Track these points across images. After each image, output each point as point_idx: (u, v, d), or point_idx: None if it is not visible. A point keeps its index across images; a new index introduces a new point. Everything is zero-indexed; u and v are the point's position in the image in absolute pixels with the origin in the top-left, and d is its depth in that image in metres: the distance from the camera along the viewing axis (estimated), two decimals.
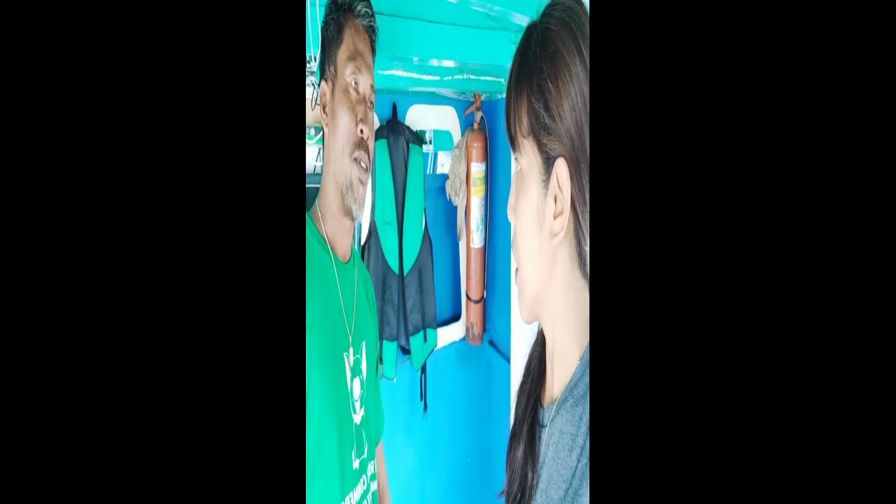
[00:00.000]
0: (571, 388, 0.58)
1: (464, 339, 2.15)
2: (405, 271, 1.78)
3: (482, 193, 2.01)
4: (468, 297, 2.09)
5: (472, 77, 1.79)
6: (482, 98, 1.97)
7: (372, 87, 0.98)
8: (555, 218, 0.55)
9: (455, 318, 2.16)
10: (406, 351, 1.85)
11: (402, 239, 1.76)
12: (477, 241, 2.04)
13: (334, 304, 0.98)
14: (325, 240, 0.98)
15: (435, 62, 1.55)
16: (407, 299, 1.76)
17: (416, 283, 1.78)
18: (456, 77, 1.74)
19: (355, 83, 0.95)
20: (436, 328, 1.88)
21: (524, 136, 0.58)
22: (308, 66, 1.05)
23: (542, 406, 0.64)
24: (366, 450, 1.05)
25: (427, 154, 1.85)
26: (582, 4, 0.56)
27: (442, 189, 2.02)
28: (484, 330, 2.13)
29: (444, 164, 1.95)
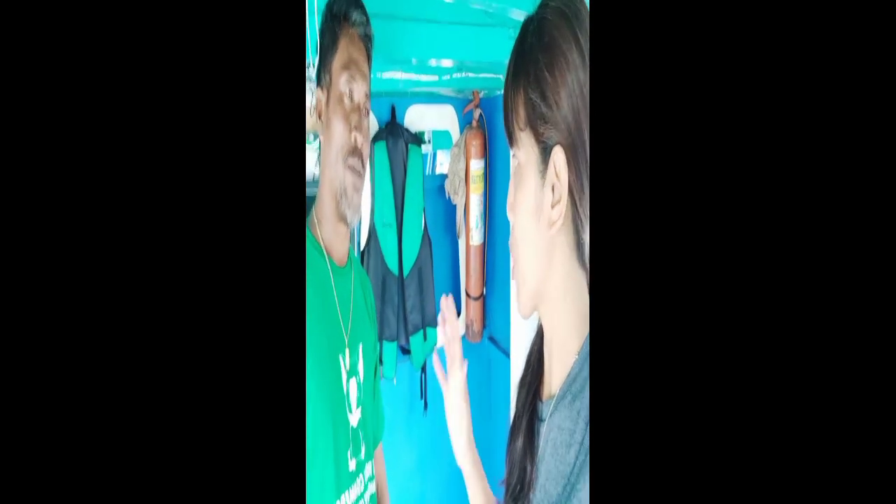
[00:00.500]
0: (570, 382, 0.58)
1: (463, 336, 2.16)
2: (405, 272, 1.78)
3: (481, 191, 2.01)
4: (468, 294, 2.10)
5: (470, 75, 1.78)
6: (481, 95, 1.97)
7: (367, 94, 0.99)
8: (552, 207, 0.55)
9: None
10: (406, 351, 1.86)
11: (402, 240, 1.77)
12: (476, 238, 2.04)
13: (330, 308, 0.99)
14: (321, 245, 0.99)
15: (433, 62, 1.55)
16: (407, 299, 1.77)
17: (415, 283, 1.79)
18: (454, 76, 1.73)
19: (350, 91, 0.95)
20: (436, 327, 1.89)
21: (521, 129, 0.58)
22: (307, 72, 1.06)
23: (541, 400, 0.64)
24: (363, 451, 1.05)
25: (426, 154, 1.85)
26: None
27: (441, 188, 2.02)
28: (483, 326, 2.13)
29: (443, 163, 1.95)
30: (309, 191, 1.21)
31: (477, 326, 2.10)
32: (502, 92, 0.61)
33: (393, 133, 1.72)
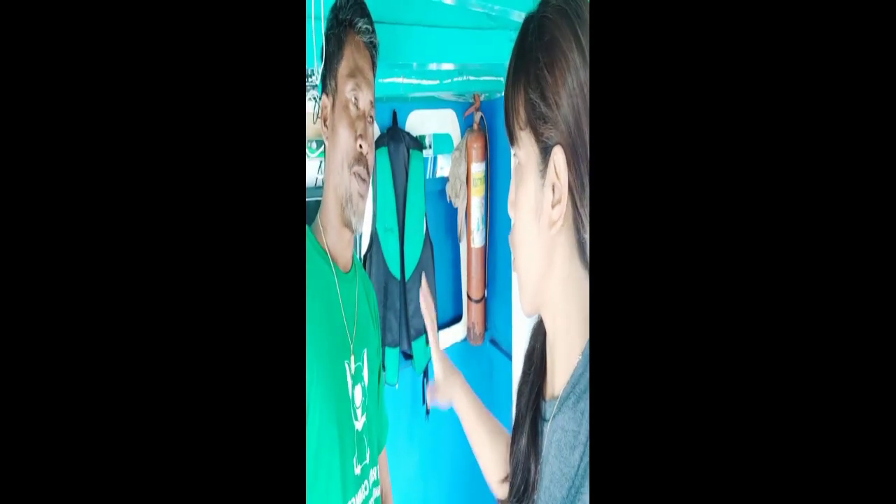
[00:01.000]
0: (574, 383, 0.58)
1: (465, 339, 2.15)
2: (407, 276, 1.78)
3: (482, 193, 2.02)
4: (469, 297, 2.10)
5: (471, 78, 1.78)
6: (481, 98, 1.97)
7: (372, 102, 0.99)
8: (553, 207, 0.55)
9: (456, 319, 2.16)
10: (408, 356, 1.86)
11: (404, 245, 1.77)
12: (477, 240, 2.04)
13: (335, 314, 1.00)
14: (325, 252, 0.99)
15: (434, 66, 1.55)
16: (409, 304, 1.77)
17: (417, 287, 1.79)
18: (455, 79, 1.74)
19: (355, 99, 0.96)
20: (437, 331, 1.89)
21: (521, 129, 0.58)
22: (309, 80, 1.06)
23: (544, 399, 0.63)
24: (368, 456, 1.06)
25: (427, 158, 1.85)
26: None
27: (442, 192, 2.02)
28: (485, 329, 2.13)
29: (444, 167, 1.96)
30: (312, 197, 1.21)
31: (479, 329, 2.10)
32: (503, 93, 0.62)
33: (394, 138, 1.72)
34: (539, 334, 0.68)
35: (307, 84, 1.07)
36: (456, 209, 2.04)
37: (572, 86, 0.53)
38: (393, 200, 1.74)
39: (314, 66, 1.01)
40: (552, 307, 0.61)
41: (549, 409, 0.61)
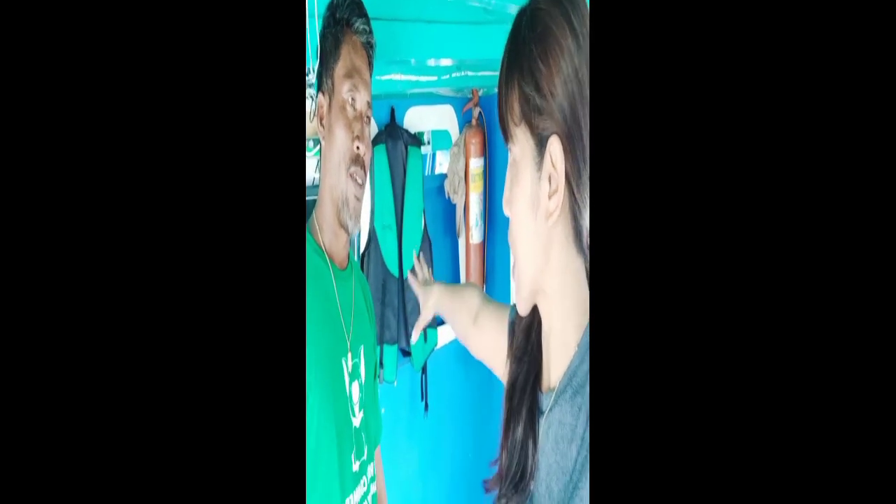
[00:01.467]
0: (570, 376, 0.57)
1: None
2: (405, 274, 1.78)
3: (481, 189, 2.02)
4: None
5: (469, 73, 1.78)
6: (480, 93, 1.97)
7: (369, 103, 0.99)
8: (549, 197, 0.55)
9: None
10: (406, 353, 1.86)
11: (402, 242, 1.77)
12: (476, 236, 2.04)
13: (332, 311, 1.00)
14: (322, 249, 0.99)
15: (432, 62, 1.54)
16: (407, 301, 1.77)
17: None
18: (454, 75, 1.74)
19: (352, 100, 0.95)
20: (436, 327, 1.89)
21: (516, 125, 0.57)
22: (307, 77, 1.05)
23: (541, 391, 0.63)
24: (365, 452, 1.06)
25: (425, 155, 1.85)
26: None
27: (441, 188, 2.02)
28: None
29: (443, 163, 1.95)
30: (308, 195, 1.21)
31: None
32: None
33: (392, 135, 1.72)
34: (532, 326, 0.68)
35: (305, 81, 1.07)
36: (454, 205, 2.04)
37: (567, 72, 0.53)
38: (391, 198, 1.74)
39: (311, 64, 1.00)
40: (549, 299, 0.60)
41: (545, 402, 0.61)
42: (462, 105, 2.00)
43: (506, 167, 0.62)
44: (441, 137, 1.94)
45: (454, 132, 1.99)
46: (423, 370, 1.95)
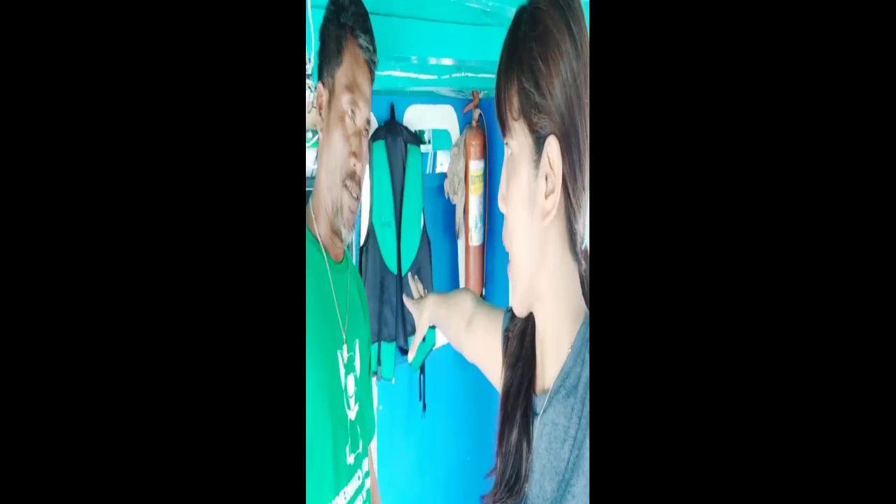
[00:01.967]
0: (563, 378, 0.58)
1: None
2: (404, 271, 1.78)
3: (481, 191, 2.02)
4: None
5: (469, 74, 1.79)
6: (480, 95, 1.98)
7: (368, 120, 0.99)
8: (546, 197, 0.55)
9: None
10: (404, 351, 1.86)
11: (401, 240, 1.77)
12: (475, 238, 2.04)
13: (328, 303, 1.00)
14: (317, 240, 0.99)
15: (433, 60, 1.55)
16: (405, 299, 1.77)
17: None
18: (454, 75, 1.74)
19: (352, 112, 0.96)
20: (434, 327, 1.89)
21: (515, 119, 0.58)
22: (307, 64, 1.06)
23: (535, 394, 0.63)
24: (360, 446, 1.05)
25: (426, 154, 1.86)
26: None
27: (440, 188, 2.02)
28: None
29: (444, 163, 1.96)
30: (307, 186, 1.21)
31: None
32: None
33: (392, 132, 1.72)
34: (525, 332, 0.68)
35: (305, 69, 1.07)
36: (454, 206, 2.04)
37: (566, 76, 0.54)
38: (390, 194, 1.74)
39: (309, 53, 1.01)
40: (543, 301, 0.61)
41: (539, 404, 0.61)
42: (462, 106, 2.00)
43: None
44: (441, 137, 1.95)
45: (454, 132, 2.00)
46: (422, 369, 1.95)
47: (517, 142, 0.58)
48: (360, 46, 0.97)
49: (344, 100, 0.95)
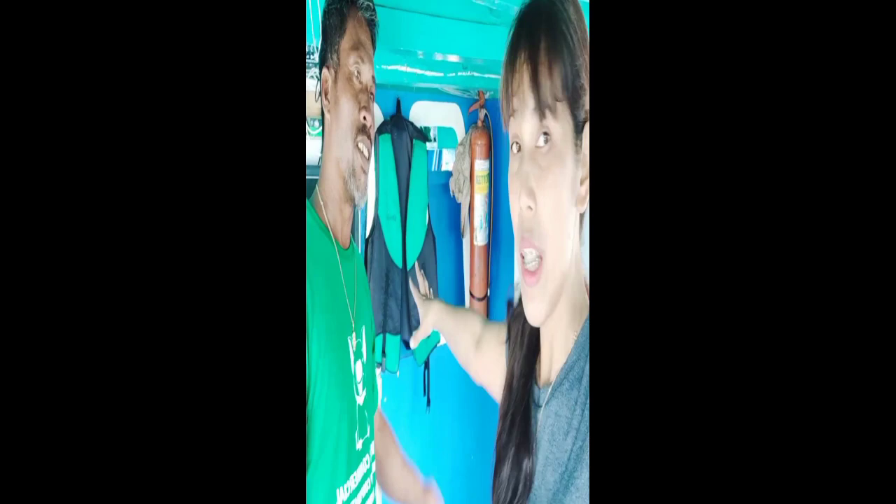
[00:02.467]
0: (567, 370, 0.58)
1: None
2: (409, 266, 1.79)
3: (486, 191, 2.02)
4: (472, 294, 2.10)
5: (475, 74, 1.80)
6: (486, 96, 1.99)
7: (373, 77, 1.01)
8: (581, 183, 0.56)
9: None
10: (409, 345, 1.86)
11: (406, 234, 1.78)
12: (480, 238, 2.04)
13: (337, 289, 1.00)
14: (326, 226, 1.00)
15: (439, 56, 1.57)
16: (410, 294, 1.78)
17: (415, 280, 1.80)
18: (460, 73, 1.75)
19: (358, 72, 0.97)
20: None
21: (558, 99, 0.55)
22: (309, 58, 1.07)
23: (538, 386, 0.63)
24: (368, 429, 1.06)
25: (431, 151, 1.87)
26: None
27: (446, 185, 2.03)
28: None
29: (450, 161, 1.97)
30: (311, 175, 1.22)
31: None
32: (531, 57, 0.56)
33: (398, 126, 1.74)
34: (522, 326, 0.68)
35: (307, 62, 1.08)
36: (459, 204, 2.05)
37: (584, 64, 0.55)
38: (395, 188, 1.75)
39: (314, 44, 1.03)
40: (566, 291, 0.60)
41: (542, 396, 0.61)
42: (468, 105, 2.02)
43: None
44: (447, 135, 1.96)
45: (460, 131, 2.01)
46: (426, 365, 1.95)
47: (560, 126, 0.55)
48: (360, 7, 1.00)
49: (350, 60, 0.97)
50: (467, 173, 1.99)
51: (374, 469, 1.10)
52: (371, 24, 1.03)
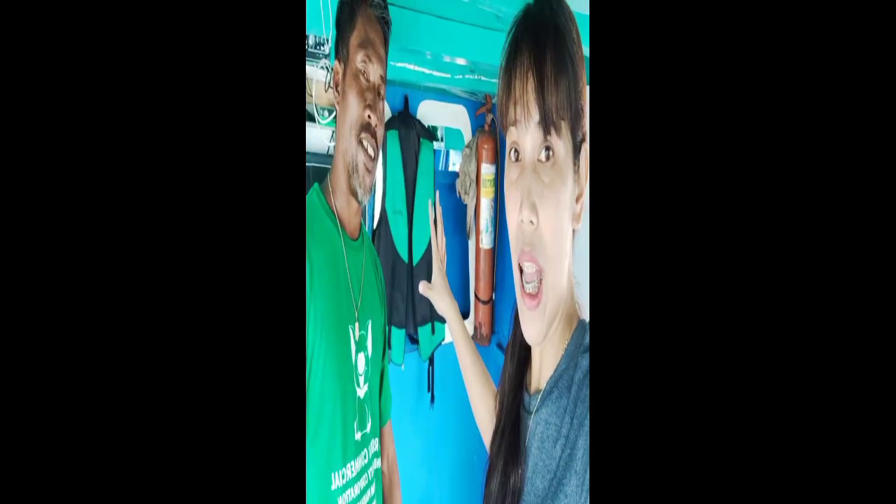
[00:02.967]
0: (556, 379, 0.59)
1: (472, 337, 2.15)
2: (415, 262, 1.80)
3: (492, 195, 2.03)
4: (477, 297, 2.10)
5: (483, 78, 1.81)
6: (493, 101, 2.00)
7: (382, 77, 1.01)
8: (577, 200, 0.57)
9: (463, 315, 2.17)
10: (414, 340, 1.86)
11: (412, 231, 1.79)
12: (486, 241, 2.05)
13: (341, 277, 1.00)
14: (334, 214, 1.01)
15: (447, 58, 1.58)
16: (415, 289, 1.78)
17: (424, 274, 1.80)
18: (467, 76, 1.77)
19: (365, 70, 0.98)
20: (444, 322, 1.89)
21: (561, 118, 0.55)
22: (322, 48, 1.09)
23: (528, 393, 0.64)
24: (369, 425, 1.05)
25: (439, 151, 1.88)
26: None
27: (452, 186, 2.03)
28: (492, 332, 2.13)
29: (456, 162, 1.98)
30: (322, 164, 1.23)
31: (485, 330, 2.09)
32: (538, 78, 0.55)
33: (405, 123, 1.75)
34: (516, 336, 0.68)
35: (319, 53, 1.10)
36: (465, 205, 2.06)
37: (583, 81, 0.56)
38: (402, 184, 1.76)
39: (326, 34, 1.04)
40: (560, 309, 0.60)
41: (532, 403, 0.62)
42: (475, 108, 2.03)
43: None
44: (454, 136, 1.97)
45: (467, 133, 2.02)
46: (431, 361, 1.95)
47: (563, 144, 0.56)
48: (372, 5, 1.00)
49: (357, 57, 0.97)
50: (474, 176, 1.99)
51: (377, 465, 1.10)
52: (382, 23, 1.03)
